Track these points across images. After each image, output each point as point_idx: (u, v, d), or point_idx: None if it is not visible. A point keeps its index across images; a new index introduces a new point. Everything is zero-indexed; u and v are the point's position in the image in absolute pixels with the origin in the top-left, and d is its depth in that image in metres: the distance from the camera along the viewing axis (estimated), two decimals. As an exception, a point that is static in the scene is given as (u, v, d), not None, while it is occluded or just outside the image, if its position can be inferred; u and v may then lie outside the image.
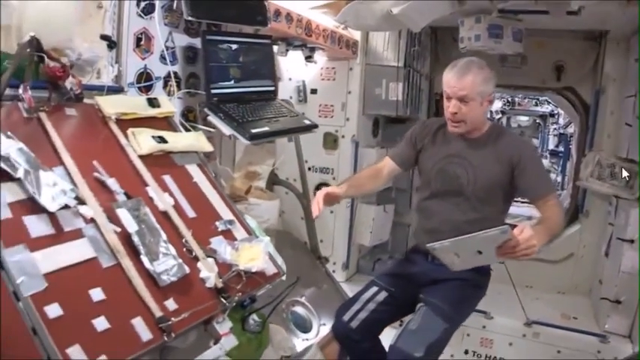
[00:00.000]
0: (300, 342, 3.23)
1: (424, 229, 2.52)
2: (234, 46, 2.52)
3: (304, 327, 3.43)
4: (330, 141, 4.30)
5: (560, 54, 4.54)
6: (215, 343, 1.65)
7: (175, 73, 2.43)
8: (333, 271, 4.38)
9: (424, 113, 5.05)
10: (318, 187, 4.37)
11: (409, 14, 3.27)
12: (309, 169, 4.28)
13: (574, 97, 4.64)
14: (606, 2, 3.22)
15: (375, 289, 2.55)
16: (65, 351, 1.24)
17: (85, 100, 1.94)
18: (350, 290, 4.28)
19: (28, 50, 1.70)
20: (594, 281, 4.41)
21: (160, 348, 1.48)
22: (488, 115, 2.58)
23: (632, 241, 3.65)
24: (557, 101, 4.71)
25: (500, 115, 6.71)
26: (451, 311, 2.31)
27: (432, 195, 2.47)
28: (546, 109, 8.39)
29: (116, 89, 2.14)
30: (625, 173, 4.00)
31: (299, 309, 3.50)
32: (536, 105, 8.49)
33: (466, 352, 3.99)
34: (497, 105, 7.05)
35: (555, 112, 8.21)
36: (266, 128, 2.37)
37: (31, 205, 1.46)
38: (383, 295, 2.52)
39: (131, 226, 1.58)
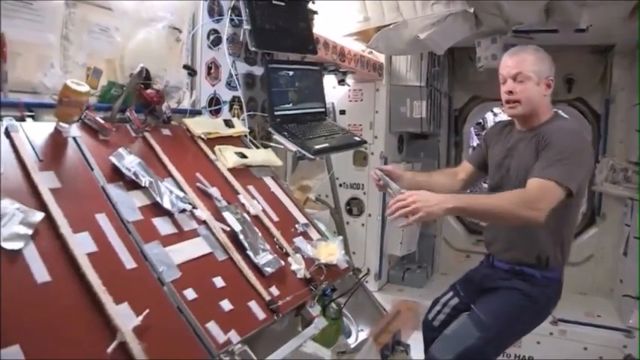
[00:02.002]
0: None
1: (486, 230, 2.56)
2: (290, 73, 2.80)
3: (343, 333, 3.64)
4: (360, 158, 4.56)
5: (570, 67, 4.80)
6: (307, 326, 1.90)
7: (238, 98, 2.70)
8: (366, 282, 4.58)
9: (445, 129, 5.35)
10: (348, 203, 4.64)
11: (434, 38, 3.56)
12: (340, 185, 4.52)
13: (585, 108, 4.90)
14: (611, 19, 3.51)
15: (450, 293, 2.62)
16: (205, 326, 1.49)
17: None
18: (382, 299, 4.48)
19: (136, 80, 1.99)
20: (615, 281, 4.61)
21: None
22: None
23: (648, 239, 3.89)
24: (569, 112, 4.97)
25: (498, 119, 6.99)
26: (489, 321, 2.25)
27: (491, 191, 2.43)
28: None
29: (195, 112, 2.42)
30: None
31: (338, 317, 3.70)
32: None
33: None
34: (508, 118, 7.31)
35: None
36: (326, 144, 2.63)
37: (156, 209, 1.73)
38: (455, 300, 2.58)
39: (236, 227, 1.85)
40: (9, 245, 1.27)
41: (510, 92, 2.24)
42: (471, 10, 3.40)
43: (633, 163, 4.30)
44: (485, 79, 4.84)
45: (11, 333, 1.12)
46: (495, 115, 7.51)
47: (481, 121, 7.28)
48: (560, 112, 2.52)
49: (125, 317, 1.31)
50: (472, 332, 2.25)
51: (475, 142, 7.15)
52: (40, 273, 1.28)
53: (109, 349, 1.23)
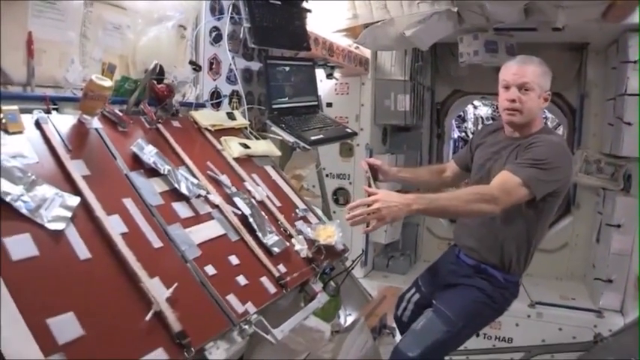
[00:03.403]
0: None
1: (458, 223, 2.68)
2: (286, 68, 2.97)
3: (334, 316, 3.81)
4: (346, 149, 4.75)
5: (548, 64, 4.96)
6: (309, 302, 2.08)
7: (237, 92, 2.86)
8: (352, 268, 4.76)
9: (427, 121, 5.55)
10: (335, 193, 4.82)
11: (419, 35, 3.74)
12: (327, 175, 4.67)
13: (562, 102, 5.13)
14: (585, 20, 3.73)
15: (413, 290, 2.75)
16: (225, 298, 1.65)
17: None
18: (368, 285, 4.67)
19: (151, 75, 2.13)
20: (588, 266, 4.88)
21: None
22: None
23: (619, 226, 4.14)
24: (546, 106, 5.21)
25: (490, 122, 7.24)
26: (454, 317, 2.35)
27: None
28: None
29: (199, 105, 2.56)
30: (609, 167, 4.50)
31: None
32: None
33: (477, 335, 4.35)
34: (488, 112, 7.57)
35: (543, 115, 8.74)
36: (321, 135, 2.81)
37: (174, 195, 1.88)
38: (416, 296, 2.71)
39: (246, 210, 2.01)
40: (53, 226, 1.41)
41: (514, 100, 2.25)
42: (455, 9, 3.59)
43: (606, 155, 4.54)
44: (467, 74, 5.06)
45: (65, 302, 1.28)
46: (475, 107, 7.75)
47: (462, 113, 7.51)
48: (548, 125, 2.61)
49: (158, 290, 1.48)
50: (439, 327, 2.35)
51: (456, 134, 7.37)
52: (82, 251, 1.43)
53: (147, 317, 1.39)
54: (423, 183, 2.85)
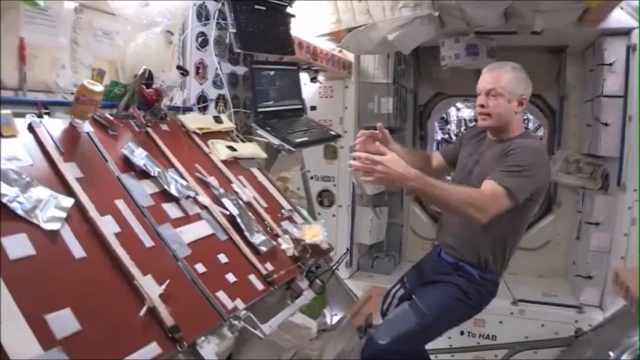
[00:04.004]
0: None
1: (440, 222, 2.77)
2: (271, 72, 3.04)
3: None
4: (330, 152, 4.80)
5: (527, 66, 5.00)
6: (296, 298, 2.14)
7: (223, 96, 2.91)
8: (337, 269, 4.83)
9: (410, 123, 5.62)
10: (320, 195, 4.88)
11: (402, 39, 3.80)
12: (312, 177, 4.71)
13: (542, 104, 5.23)
14: (562, 24, 3.83)
15: (398, 285, 2.85)
16: (215, 294, 1.71)
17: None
18: (353, 286, 4.74)
19: (140, 80, 2.19)
20: (569, 263, 4.98)
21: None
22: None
23: (597, 224, 4.24)
24: (527, 108, 5.31)
25: (474, 124, 7.32)
26: (428, 311, 2.45)
27: None
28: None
29: (187, 109, 2.61)
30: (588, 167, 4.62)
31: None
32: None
33: (462, 333, 4.44)
34: (470, 114, 7.67)
35: (525, 117, 8.87)
36: (305, 138, 2.87)
37: (164, 196, 1.94)
38: (400, 291, 2.81)
39: (234, 211, 2.08)
40: (49, 226, 1.47)
41: (482, 106, 2.38)
42: (436, 14, 3.66)
43: (585, 155, 4.65)
44: (449, 76, 5.13)
45: (62, 298, 1.34)
46: (458, 109, 7.86)
47: (444, 115, 7.61)
48: (530, 130, 2.70)
49: (151, 287, 1.53)
50: (411, 319, 2.46)
51: (440, 135, 7.47)
52: (77, 250, 1.49)
53: (142, 313, 1.45)
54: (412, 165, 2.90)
